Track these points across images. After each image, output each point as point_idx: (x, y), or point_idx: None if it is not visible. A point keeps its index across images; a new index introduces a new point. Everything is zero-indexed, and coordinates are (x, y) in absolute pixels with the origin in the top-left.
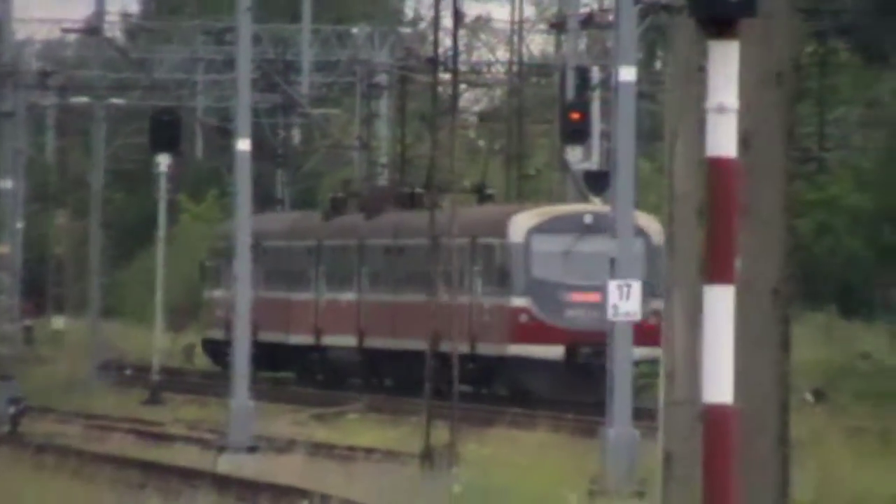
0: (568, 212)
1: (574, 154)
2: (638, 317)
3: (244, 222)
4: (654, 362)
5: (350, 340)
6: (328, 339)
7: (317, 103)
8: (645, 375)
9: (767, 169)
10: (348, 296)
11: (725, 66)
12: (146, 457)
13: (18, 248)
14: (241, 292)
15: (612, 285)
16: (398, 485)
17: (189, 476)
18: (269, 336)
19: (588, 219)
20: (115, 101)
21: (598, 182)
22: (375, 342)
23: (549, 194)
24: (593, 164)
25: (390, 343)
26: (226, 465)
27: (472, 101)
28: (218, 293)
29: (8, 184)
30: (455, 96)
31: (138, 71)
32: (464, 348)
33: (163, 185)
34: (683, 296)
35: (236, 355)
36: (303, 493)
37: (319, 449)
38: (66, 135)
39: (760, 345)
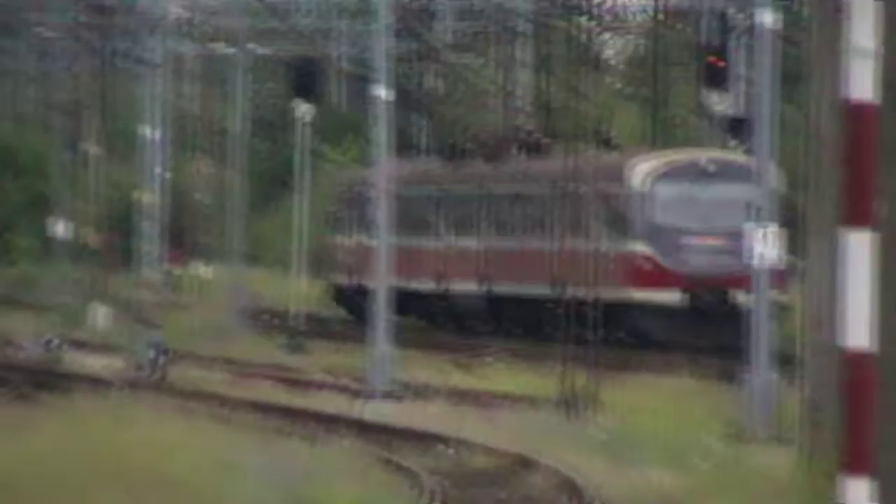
0: (688, 158)
1: (715, 99)
2: (777, 262)
3: (384, 170)
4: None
5: (473, 286)
6: (452, 286)
7: (457, 50)
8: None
9: None
10: (471, 242)
11: (865, 9)
12: (289, 403)
13: (166, 197)
14: (382, 239)
15: (754, 231)
16: (538, 430)
17: (332, 422)
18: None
19: (708, 165)
20: (255, 48)
21: (739, 128)
22: (499, 288)
23: (690, 140)
24: (735, 109)
25: (514, 289)
26: (367, 411)
27: (613, 47)
28: (342, 240)
29: (151, 132)
30: (591, 42)
31: (277, 18)
32: (587, 294)
33: (303, 132)
34: (827, 240)
35: (377, 302)
36: (443, 439)
37: (459, 395)
38: (207, 83)
39: None
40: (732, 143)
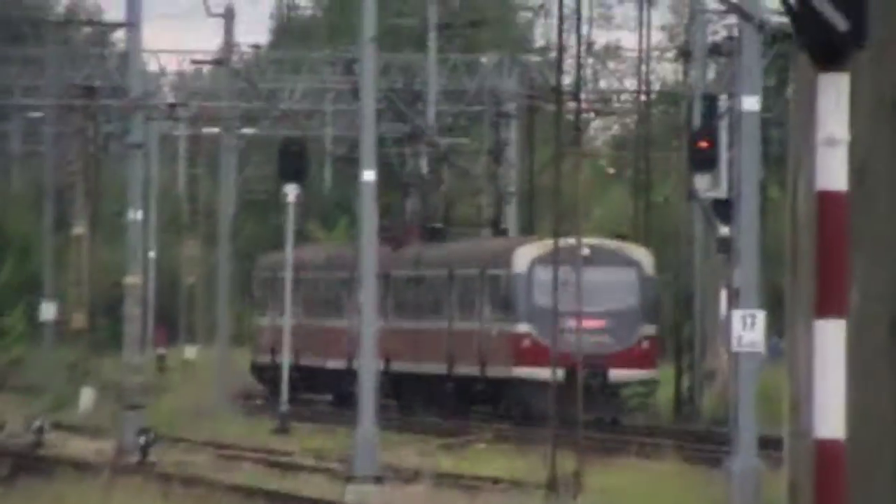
0: (568, 244)
1: (702, 182)
2: (762, 348)
3: (369, 251)
4: (645, 384)
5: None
6: (355, 364)
7: (445, 132)
8: (638, 395)
9: (882, 199)
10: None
11: (835, 97)
12: (274, 486)
13: (151, 278)
14: (367, 321)
15: (736, 315)
16: None
17: None
18: (307, 360)
19: (586, 251)
20: (245, 131)
21: (725, 210)
22: (400, 366)
23: (676, 222)
24: (721, 192)
25: (413, 367)
26: (352, 495)
27: (601, 129)
28: (265, 320)
29: (138, 215)
30: (578, 125)
31: (267, 101)
32: (474, 370)
33: (291, 214)
34: (806, 326)
35: (361, 384)
36: None
37: (445, 479)
38: (196, 165)
39: (877, 377)
40: (720, 225)
